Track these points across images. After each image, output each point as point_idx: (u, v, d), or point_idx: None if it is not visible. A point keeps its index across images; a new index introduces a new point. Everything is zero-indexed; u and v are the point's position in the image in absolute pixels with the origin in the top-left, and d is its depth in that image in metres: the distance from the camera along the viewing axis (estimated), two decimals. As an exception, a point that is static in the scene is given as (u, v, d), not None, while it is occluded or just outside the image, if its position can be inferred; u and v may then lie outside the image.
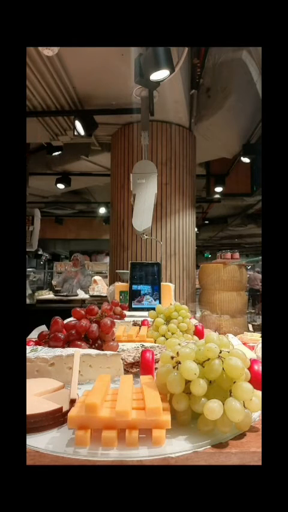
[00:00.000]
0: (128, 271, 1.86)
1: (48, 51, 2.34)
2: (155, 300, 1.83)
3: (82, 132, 3.36)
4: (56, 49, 2.34)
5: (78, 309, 0.85)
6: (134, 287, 1.85)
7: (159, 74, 2.08)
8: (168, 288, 1.92)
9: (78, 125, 3.30)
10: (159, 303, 1.80)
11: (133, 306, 1.80)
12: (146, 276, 1.87)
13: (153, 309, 1.09)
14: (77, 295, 4.05)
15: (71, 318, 0.90)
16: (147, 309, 1.71)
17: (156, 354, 0.74)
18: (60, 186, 5.55)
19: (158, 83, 2.19)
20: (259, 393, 0.48)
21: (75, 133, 3.41)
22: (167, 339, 0.95)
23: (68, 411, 0.48)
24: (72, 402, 0.50)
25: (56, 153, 4.39)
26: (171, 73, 2.10)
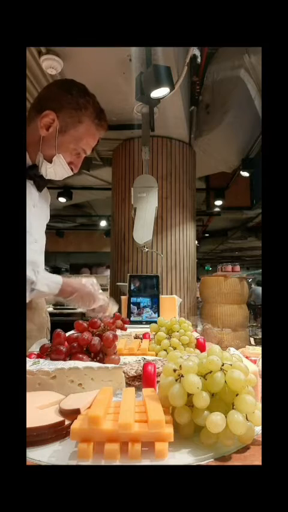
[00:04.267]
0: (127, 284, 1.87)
1: (52, 70, 2.41)
2: (154, 312, 1.82)
3: (84, 147, 3.41)
4: (59, 68, 2.41)
5: (80, 321, 0.85)
6: (133, 300, 1.84)
7: (160, 92, 2.14)
8: (171, 300, 1.90)
9: (80, 140, 3.36)
10: (158, 315, 1.80)
11: (132, 319, 1.79)
12: (145, 289, 1.87)
13: (153, 322, 1.09)
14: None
15: (73, 331, 0.90)
16: (147, 323, 1.71)
17: (158, 367, 0.73)
18: (62, 200, 5.59)
19: (158, 100, 2.24)
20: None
21: (77, 148, 3.47)
22: (168, 353, 0.95)
23: (70, 424, 0.48)
24: (76, 412, 0.50)
25: (58, 168, 4.43)
26: (171, 91, 2.16)
